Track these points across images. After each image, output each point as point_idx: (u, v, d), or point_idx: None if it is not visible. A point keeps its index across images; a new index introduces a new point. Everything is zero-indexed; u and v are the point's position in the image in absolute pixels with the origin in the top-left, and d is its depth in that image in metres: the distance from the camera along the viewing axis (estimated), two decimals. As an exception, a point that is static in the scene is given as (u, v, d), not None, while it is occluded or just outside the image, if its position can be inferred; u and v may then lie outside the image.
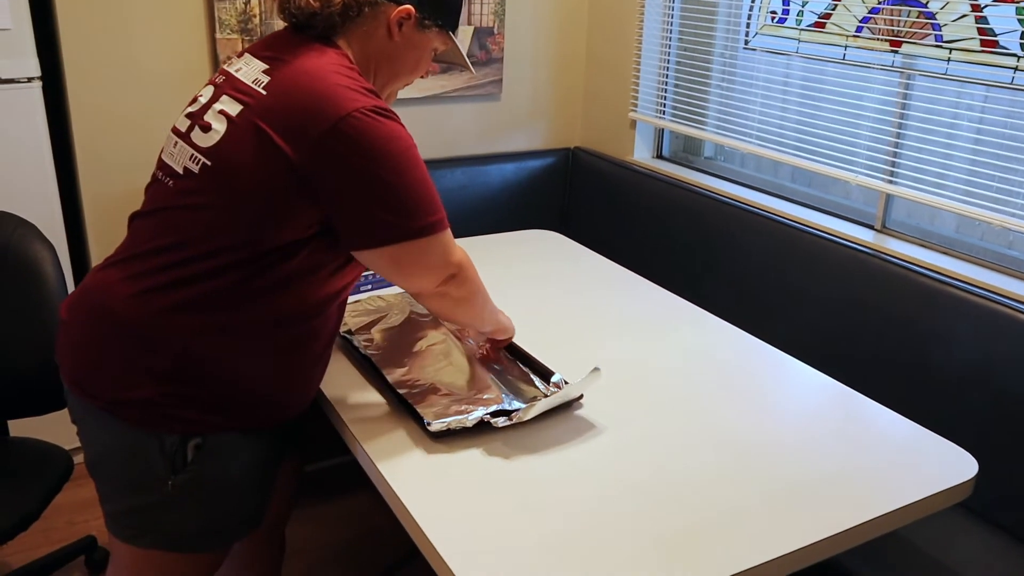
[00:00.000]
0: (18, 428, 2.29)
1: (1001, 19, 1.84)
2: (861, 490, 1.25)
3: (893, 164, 2.13)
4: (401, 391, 1.41)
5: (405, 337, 1.62)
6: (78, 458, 2.51)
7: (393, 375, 1.47)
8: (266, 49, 1.27)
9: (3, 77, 2.11)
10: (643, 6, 2.77)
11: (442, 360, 1.53)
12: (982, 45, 1.88)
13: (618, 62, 2.91)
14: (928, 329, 1.87)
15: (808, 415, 1.46)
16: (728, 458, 1.32)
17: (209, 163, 1.19)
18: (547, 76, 3.02)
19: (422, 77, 1.42)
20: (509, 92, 2.96)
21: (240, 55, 1.31)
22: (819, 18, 2.25)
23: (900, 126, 2.11)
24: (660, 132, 2.92)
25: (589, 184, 2.93)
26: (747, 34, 2.52)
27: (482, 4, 2.79)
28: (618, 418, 1.42)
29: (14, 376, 1.74)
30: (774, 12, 2.39)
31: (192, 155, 1.21)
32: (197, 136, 1.22)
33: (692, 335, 1.74)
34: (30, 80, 2.15)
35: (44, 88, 2.21)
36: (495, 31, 2.84)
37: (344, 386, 1.49)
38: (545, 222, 2.99)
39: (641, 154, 2.92)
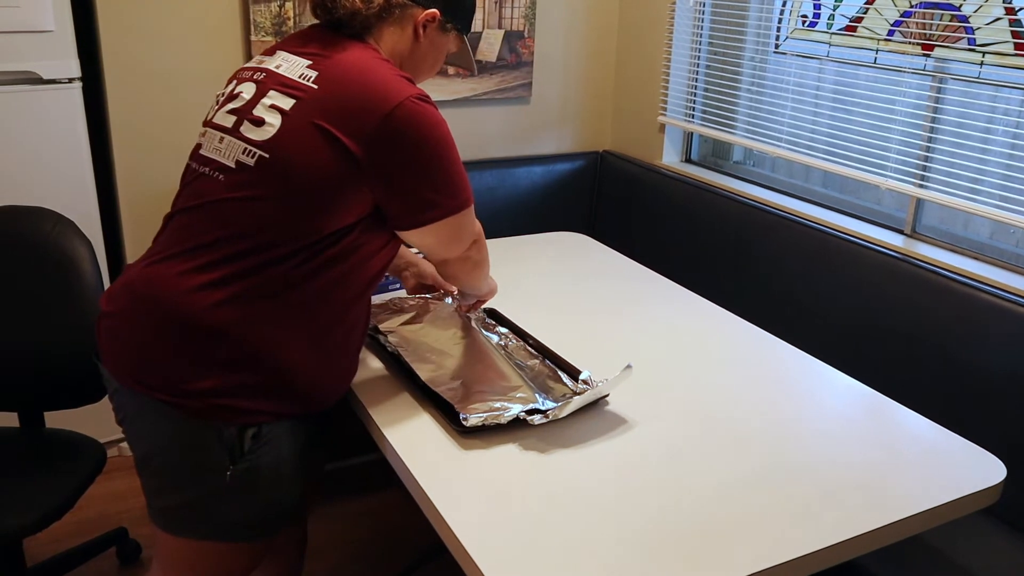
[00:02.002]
0: (53, 420, 2.34)
1: (1036, 22, 1.82)
2: (886, 492, 1.25)
3: (924, 168, 2.11)
4: (432, 387, 1.43)
5: (430, 334, 1.63)
6: (112, 451, 2.56)
7: (422, 371, 1.48)
8: (302, 46, 1.31)
9: (45, 78, 2.17)
10: (673, 10, 2.78)
11: (469, 357, 1.55)
12: (1016, 48, 1.86)
13: (648, 66, 2.92)
14: (957, 334, 1.85)
15: (835, 417, 1.45)
16: (754, 458, 1.32)
17: (267, 156, 1.22)
18: (577, 80, 3.03)
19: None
20: (539, 95, 2.98)
21: (270, 53, 1.35)
22: (850, 22, 2.24)
23: (932, 130, 2.09)
24: (689, 136, 2.92)
25: (617, 187, 2.93)
26: (778, 38, 2.52)
27: (513, 8, 2.81)
28: (646, 416, 1.42)
29: (51, 368, 1.78)
30: (805, 16, 2.39)
31: (245, 149, 1.24)
32: (248, 130, 1.25)
33: (720, 337, 1.73)
34: (71, 81, 2.20)
35: (84, 89, 2.26)
36: (525, 35, 2.86)
37: (372, 383, 1.50)
38: (573, 225, 2.99)
39: (670, 158, 2.92)
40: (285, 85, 1.26)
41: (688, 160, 2.94)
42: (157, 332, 1.23)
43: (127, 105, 2.40)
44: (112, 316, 1.28)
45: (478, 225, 1.43)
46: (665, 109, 2.87)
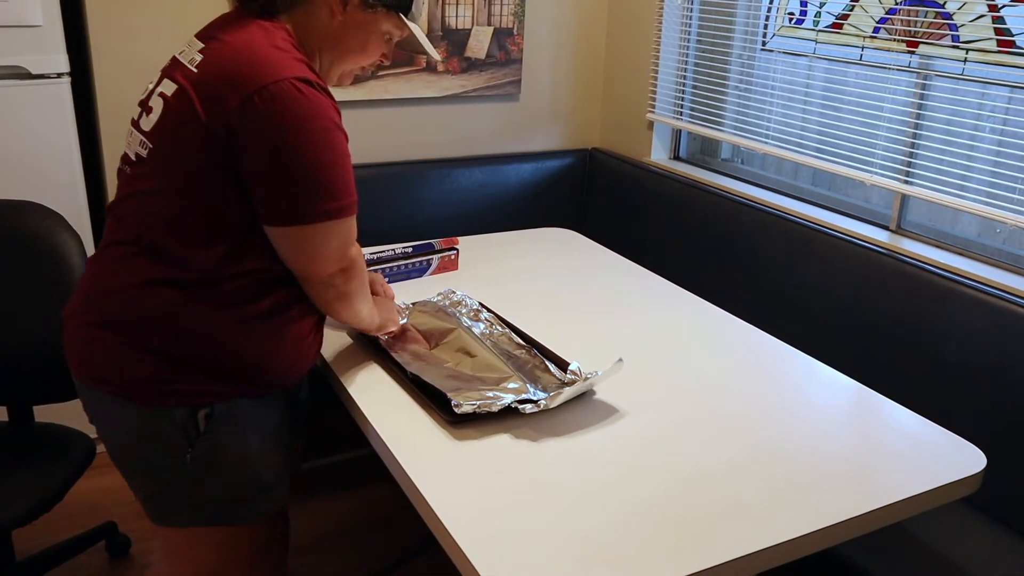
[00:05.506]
0: (42, 414, 2.34)
1: (1018, 19, 1.84)
2: (869, 480, 1.27)
3: (909, 165, 2.13)
4: (424, 378, 1.43)
5: (419, 330, 1.64)
6: (100, 445, 2.55)
7: (412, 367, 1.49)
8: (208, 30, 1.28)
9: (34, 72, 2.17)
10: (662, 8, 2.79)
11: (458, 351, 1.55)
12: (999, 45, 1.88)
13: (636, 63, 2.93)
14: (941, 328, 1.87)
15: (819, 409, 1.47)
16: (739, 446, 1.34)
17: (152, 146, 1.21)
18: (566, 77, 3.05)
19: (382, 61, 1.39)
20: (528, 92, 2.99)
21: (191, 39, 1.33)
22: (836, 19, 2.26)
23: (916, 127, 2.11)
24: (677, 133, 2.93)
25: (606, 184, 2.95)
26: (765, 35, 2.54)
27: (502, 5, 2.82)
28: (635, 406, 1.44)
29: (39, 363, 1.78)
30: (792, 14, 2.41)
31: (141, 140, 1.24)
32: (143, 121, 1.25)
33: (707, 331, 1.75)
34: (59, 76, 2.20)
35: (73, 84, 2.26)
36: (514, 32, 2.87)
37: (363, 378, 1.51)
38: (562, 222, 3.01)
39: (658, 155, 2.94)
40: (176, 70, 1.23)
41: (676, 157, 2.95)
42: (96, 326, 1.25)
43: (116, 100, 2.40)
44: (68, 316, 1.31)
45: (354, 251, 1.29)
46: (654, 106, 2.88)
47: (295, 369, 1.36)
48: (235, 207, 1.19)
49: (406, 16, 1.34)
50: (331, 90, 1.33)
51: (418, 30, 1.38)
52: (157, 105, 1.22)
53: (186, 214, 1.19)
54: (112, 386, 1.24)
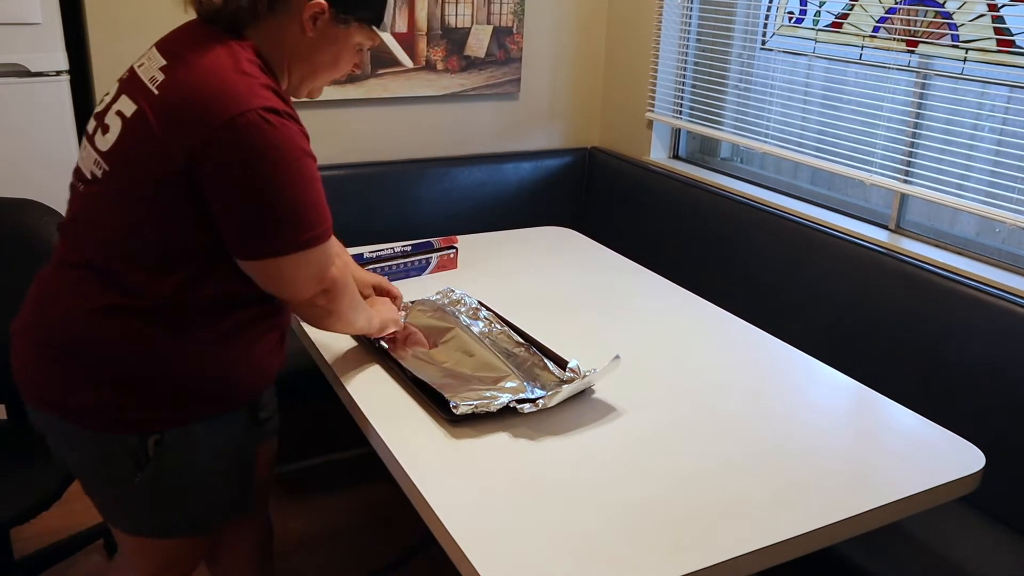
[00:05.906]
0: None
1: (1018, 19, 1.84)
2: (868, 479, 1.27)
3: (908, 164, 2.13)
4: (423, 378, 1.43)
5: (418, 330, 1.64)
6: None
7: (411, 367, 1.49)
8: (170, 44, 1.22)
9: (32, 70, 2.16)
10: (661, 7, 2.79)
11: (457, 351, 1.55)
12: (999, 45, 1.88)
13: (636, 62, 2.93)
14: (940, 328, 1.87)
15: (819, 408, 1.47)
16: (738, 445, 1.34)
17: (107, 167, 1.17)
18: (565, 76, 3.05)
19: (353, 71, 1.34)
20: (527, 91, 2.99)
21: (150, 48, 1.27)
22: (836, 18, 2.26)
23: (916, 126, 2.11)
24: (677, 132, 2.93)
25: (605, 183, 2.94)
26: (764, 35, 2.53)
27: (501, 4, 2.82)
28: (634, 405, 1.44)
29: (39, 360, 1.78)
30: (791, 13, 2.40)
31: (96, 159, 1.19)
32: (99, 139, 1.20)
33: (706, 330, 1.75)
34: (58, 74, 2.20)
35: (72, 82, 2.26)
36: (514, 31, 2.87)
37: (363, 378, 1.51)
38: (561, 221, 3.00)
39: (658, 154, 2.94)
40: (136, 88, 1.18)
41: (676, 156, 2.95)
42: (44, 350, 1.22)
43: (115, 98, 2.39)
44: (16, 331, 1.27)
45: (333, 272, 1.27)
46: (653, 105, 2.88)
47: (259, 384, 1.33)
48: (195, 235, 1.16)
49: (378, 28, 1.30)
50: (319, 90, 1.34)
51: (390, 39, 1.35)
52: (114, 124, 1.17)
53: (144, 240, 1.15)
54: (60, 412, 1.21)
